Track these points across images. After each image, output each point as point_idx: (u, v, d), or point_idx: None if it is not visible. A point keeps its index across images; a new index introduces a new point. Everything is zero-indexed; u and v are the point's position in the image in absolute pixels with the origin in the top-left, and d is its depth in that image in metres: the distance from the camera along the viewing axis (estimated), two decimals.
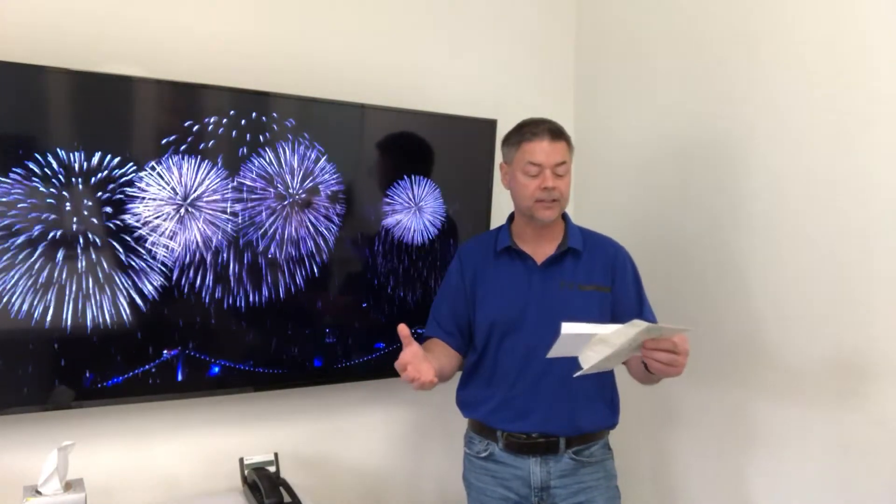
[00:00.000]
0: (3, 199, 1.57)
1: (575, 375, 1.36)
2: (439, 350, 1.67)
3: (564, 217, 1.74)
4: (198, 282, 1.79)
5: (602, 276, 1.68)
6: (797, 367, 1.77)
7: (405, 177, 2.06)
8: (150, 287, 1.74)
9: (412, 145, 2.10)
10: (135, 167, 1.70)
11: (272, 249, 1.88)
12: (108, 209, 1.68)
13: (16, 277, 1.60)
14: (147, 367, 1.75)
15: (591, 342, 1.31)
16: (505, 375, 1.67)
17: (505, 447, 1.67)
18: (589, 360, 1.32)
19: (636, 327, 1.29)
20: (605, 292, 1.67)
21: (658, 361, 1.37)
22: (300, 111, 1.90)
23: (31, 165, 1.59)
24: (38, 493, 1.51)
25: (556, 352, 1.35)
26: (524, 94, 2.38)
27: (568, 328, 1.30)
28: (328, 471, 2.09)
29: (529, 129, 1.63)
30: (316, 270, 1.95)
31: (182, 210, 1.76)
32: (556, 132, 1.62)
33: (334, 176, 1.95)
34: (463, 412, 1.77)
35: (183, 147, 1.74)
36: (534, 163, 1.60)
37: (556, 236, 1.70)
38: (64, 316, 1.65)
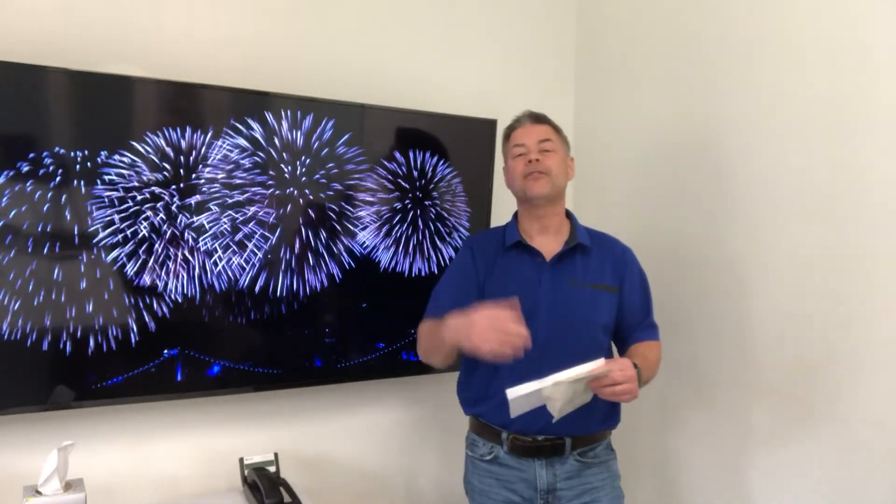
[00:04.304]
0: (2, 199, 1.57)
1: (554, 421, 1.45)
2: None
3: (570, 215, 1.75)
4: (198, 281, 1.79)
5: (611, 277, 1.69)
6: (796, 366, 1.77)
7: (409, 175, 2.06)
8: (150, 287, 1.74)
9: (419, 143, 2.10)
10: (132, 166, 1.70)
11: (272, 249, 1.88)
12: (109, 209, 1.68)
13: (15, 277, 1.60)
14: (147, 366, 1.75)
15: (542, 397, 1.39)
16: (511, 372, 1.64)
17: (510, 450, 1.66)
18: (555, 411, 1.42)
19: (560, 385, 1.36)
20: (613, 293, 1.68)
21: (606, 395, 1.45)
22: (300, 111, 1.89)
23: (31, 165, 1.59)
24: (38, 493, 1.51)
25: (515, 412, 1.42)
26: (524, 94, 2.37)
27: (511, 392, 1.37)
28: (328, 471, 2.09)
29: (514, 120, 1.75)
30: (315, 269, 1.95)
31: (180, 210, 1.76)
32: (537, 116, 1.73)
33: (335, 175, 1.95)
34: (465, 409, 1.75)
35: (183, 148, 1.75)
36: (518, 144, 1.69)
37: (562, 232, 1.71)
38: (64, 316, 1.64)
